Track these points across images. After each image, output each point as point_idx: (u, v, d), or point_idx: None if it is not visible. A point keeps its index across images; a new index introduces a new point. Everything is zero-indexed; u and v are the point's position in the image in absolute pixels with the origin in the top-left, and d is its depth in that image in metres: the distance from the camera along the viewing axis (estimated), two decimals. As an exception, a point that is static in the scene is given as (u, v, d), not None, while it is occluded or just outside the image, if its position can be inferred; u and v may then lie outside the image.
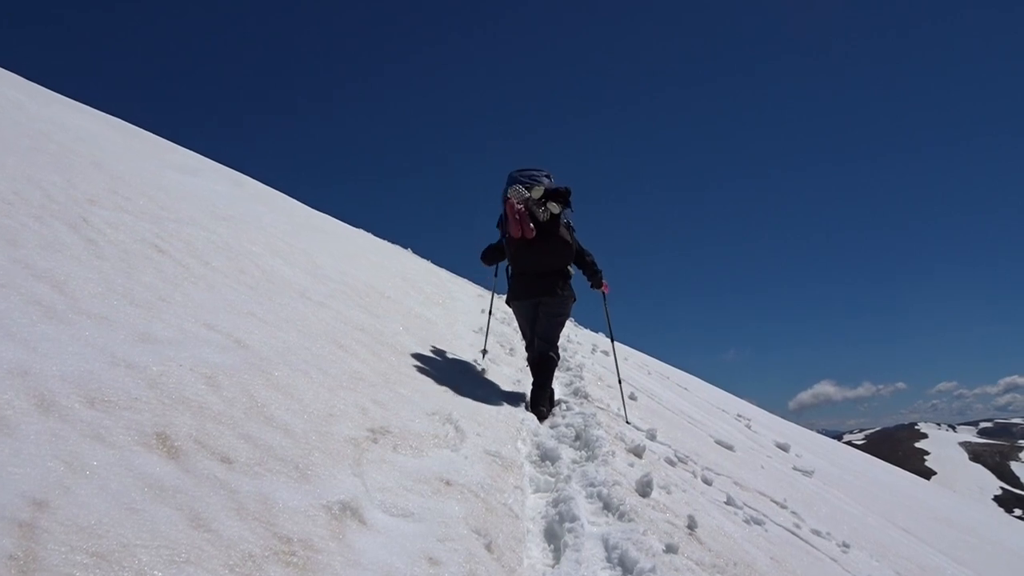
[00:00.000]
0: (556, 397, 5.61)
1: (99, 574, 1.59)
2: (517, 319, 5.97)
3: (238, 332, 3.50)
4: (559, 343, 5.82)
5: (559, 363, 5.97)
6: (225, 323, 3.54)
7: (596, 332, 14.18)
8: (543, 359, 5.57)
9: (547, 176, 5.72)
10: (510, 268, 5.83)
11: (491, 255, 6.12)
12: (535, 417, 4.98)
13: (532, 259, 5.63)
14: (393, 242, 13.23)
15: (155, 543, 1.77)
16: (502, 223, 5.82)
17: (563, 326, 5.85)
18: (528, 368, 5.83)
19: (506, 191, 5.68)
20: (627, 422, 6.05)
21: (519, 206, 5.52)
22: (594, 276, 5.92)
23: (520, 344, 8.13)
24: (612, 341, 6.77)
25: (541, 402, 5.33)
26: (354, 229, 12.26)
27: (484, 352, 6.43)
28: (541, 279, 5.63)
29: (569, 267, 5.73)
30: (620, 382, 6.56)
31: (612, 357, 6.83)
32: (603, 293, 6.08)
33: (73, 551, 1.61)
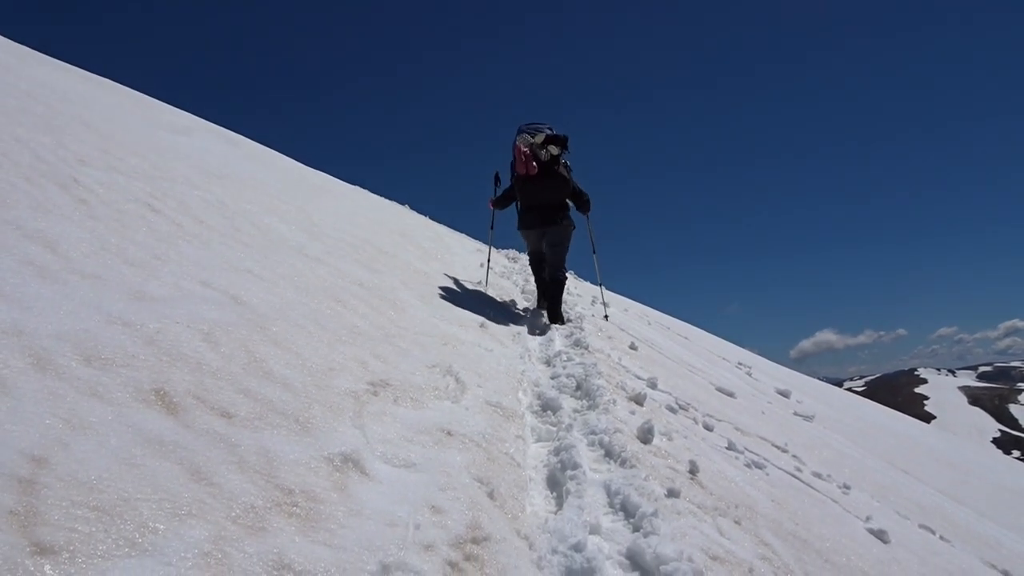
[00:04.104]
0: (557, 349, 5.66)
1: (100, 528, 1.59)
2: (526, 242, 7.41)
3: (235, 289, 3.48)
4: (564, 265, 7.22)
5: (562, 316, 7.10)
6: (221, 280, 3.52)
7: (597, 285, 14.20)
8: (555, 281, 6.99)
9: (549, 128, 6.93)
10: (519, 203, 7.20)
11: (503, 200, 7.50)
12: (536, 367, 5.01)
13: (535, 193, 6.96)
14: (390, 199, 13.14)
15: (156, 497, 1.77)
16: (512, 167, 7.10)
17: (567, 251, 7.16)
18: (532, 291, 7.55)
19: (514, 141, 6.98)
20: (605, 317, 8.21)
21: (525, 149, 6.84)
22: (584, 205, 7.28)
23: (521, 296, 8.22)
24: (594, 253, 8.22)
25: (558, 315, 6.84)
26: (350, 186, 12.17)
27: (487, 267, 8.16)
28: (543, 210, 6.98)
29: (567, 200, 7.06)
30: (600, 285, 8.64)
31: (600, 287, 8.87)
32: (587, 216, 7.49)
33: (74, 506, 1.61)
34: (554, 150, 6.86)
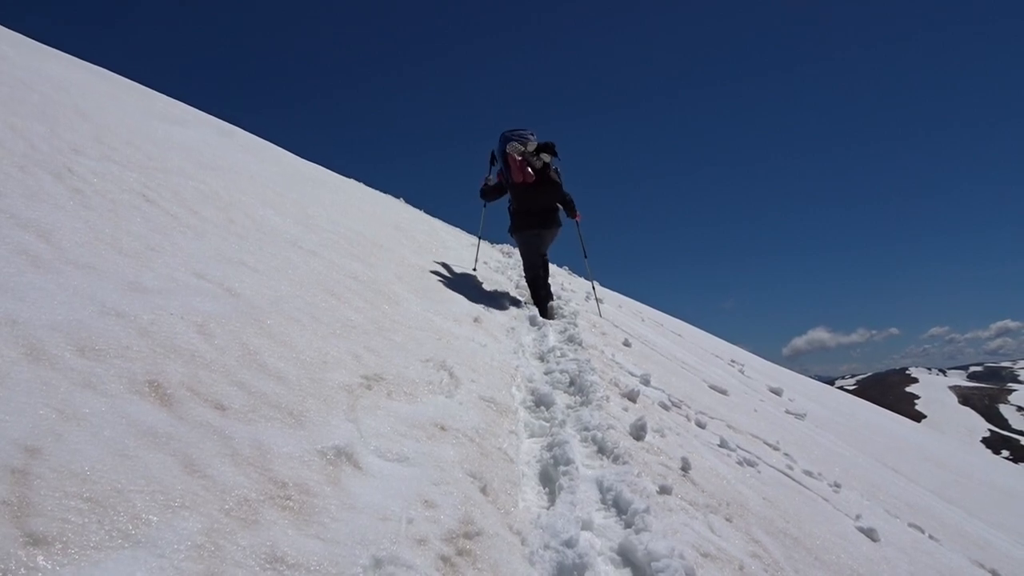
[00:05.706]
0: (551, 345, 5.67)
1: (93, 519, 1.59)
2: (519, 245, 7.72)
3: (229, 281, 3.48)
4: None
5: (554, 311, 7.47)
6: (215, 272, 3.51)
7: (590, 280, 14.20)
8: (546, 272, 7.56)
9: (532, 134, 7.31)
10: (512, 206, 7.50)
11: (491, 193, 7.83)
12: (529, 363, 5.01)
13: (531, 199, 7.34)
14: (385, 192, 13.10)
15: (149, 488, 1.77)
16: (502, 172, 7.47)
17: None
18: (526, 287, 7.77)
19: (502, 148, 7.27)
20: (598, 301, 9.10)
21: (519, 158, 7.15)
22: (570, 209, 7.58)
23: (515, 291, 8.21)
24: (586, 258, 8.65)
25: (550, 310, 7.22)
26: (346, 179, 12.13)
27: (476, 252, 8.77)
28: (538, 214, 7.40)
29: (557, 203, 7.49)
30: (592, 282, 9.20)
31: (592, 283, 9.32)
32: (576, 221, 7.77)
33: (67, 497, 1.61)
34: (546, 157, 7.24)
